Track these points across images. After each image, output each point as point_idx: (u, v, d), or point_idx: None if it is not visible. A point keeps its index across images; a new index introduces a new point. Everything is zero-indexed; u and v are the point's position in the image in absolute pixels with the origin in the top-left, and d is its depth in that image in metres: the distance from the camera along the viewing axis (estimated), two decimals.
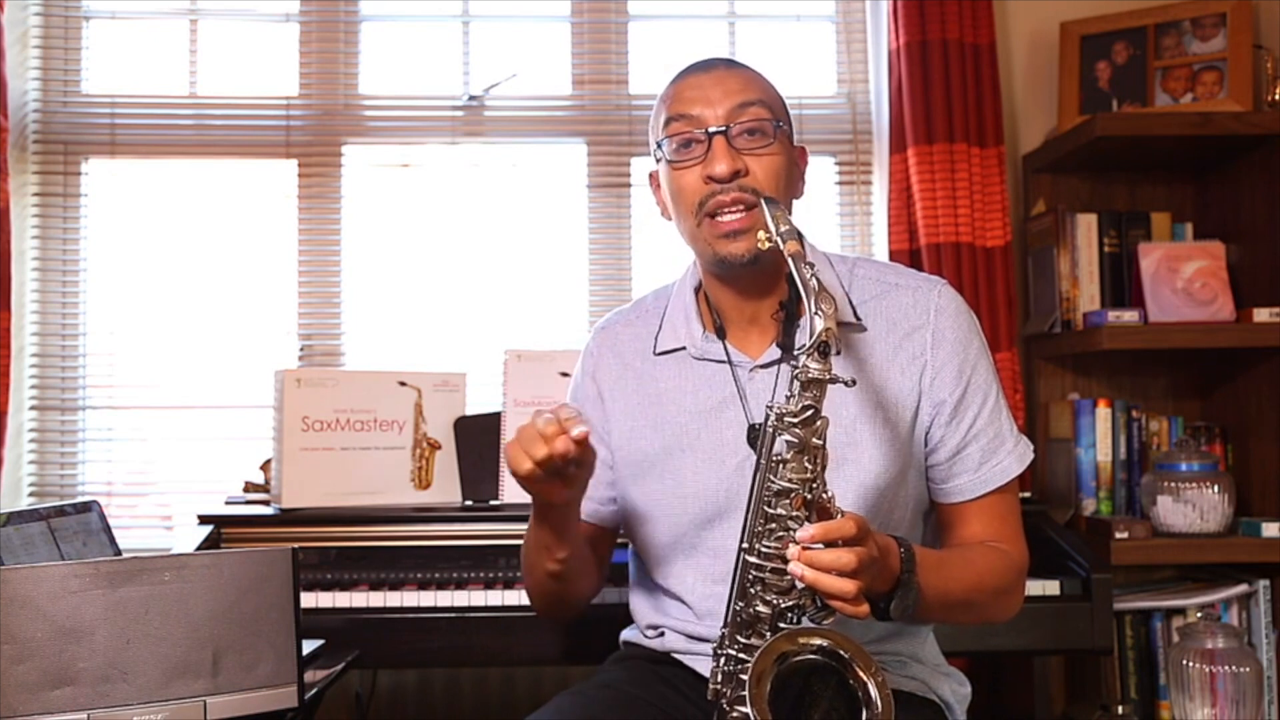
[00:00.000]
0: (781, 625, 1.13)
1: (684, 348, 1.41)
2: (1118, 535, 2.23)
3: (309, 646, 1.76)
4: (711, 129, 1.31)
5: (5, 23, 2.47)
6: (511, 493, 2.14)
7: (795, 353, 1.13)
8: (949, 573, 1.26)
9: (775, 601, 1.13)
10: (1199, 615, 2.26)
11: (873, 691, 1.07)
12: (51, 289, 2.63)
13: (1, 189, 2.42)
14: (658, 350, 1.43)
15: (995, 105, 2.53)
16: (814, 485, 1.11)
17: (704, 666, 1.36)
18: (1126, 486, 2.43)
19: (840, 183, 2.74)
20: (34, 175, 2.63)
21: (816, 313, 1.10)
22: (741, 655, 1.16)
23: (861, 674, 1.08)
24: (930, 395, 1.34)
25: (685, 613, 1.40)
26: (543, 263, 2.71)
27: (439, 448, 2.18)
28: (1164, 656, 2.29)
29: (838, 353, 1.12)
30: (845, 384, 1.13)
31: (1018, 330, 2.57)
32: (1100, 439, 2.42)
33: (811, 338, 1.11)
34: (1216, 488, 2.25)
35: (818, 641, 1.09)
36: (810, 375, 1.11)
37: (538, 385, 2.15)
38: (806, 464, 1.11)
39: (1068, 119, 2.57)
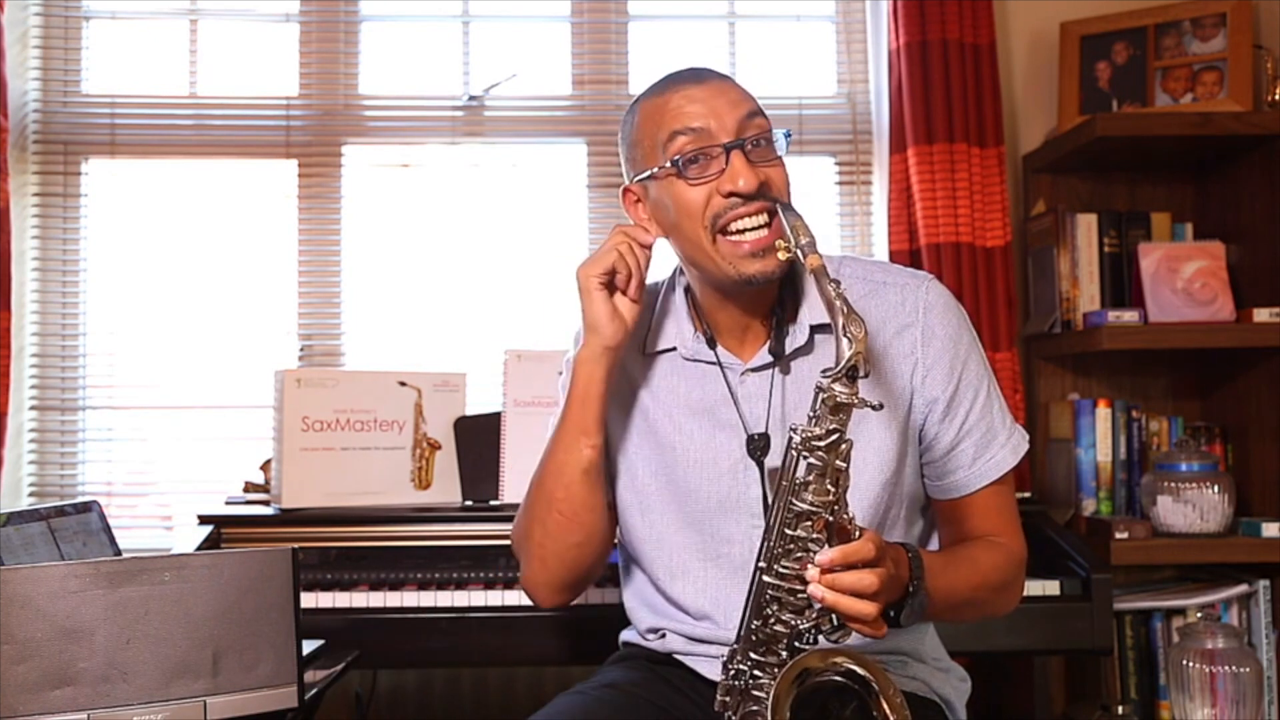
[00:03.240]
0: (797, 645, 1.13)
1: (675, 348, 1.41)
2: (1118, 535, 2.23)
3: (309, 646, 1.76)
4: (727, 143, 1.27)
5: (5, 23, 2.47)
6: (511, 493, 2.14)
7: (821, 376, 1.11)
8: (953, 573, 1.26)
9: (792, 621, 1.13)
10: (1199, 615, 2.26)
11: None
12: (51, 289, 2.63)
13: (1, 189, 2.42)
14: (648, 350, 1.43)
15: (995, 105, 2.53)
16: (836, 508, 1.10)
17: (704, 667, 1.37)
18: (1126, 486, 2.43)
19: (840, 183, 2.74)
20: (34, 175, 2.63)
21: (845, 335, 1.09)
22: (755, 672, 1.16)
23: (885, 704, 1.08)
24: (922, 393, 1.34)
25: (682, 615, 1.40)
26: (543, 263, 2.71)
27: (439, 448, 2.18)
28: (1164, 656, 2.29)
29: (865, 375, 1.10)
30: (873, 408, 1.11)
31: (1018, 330, 2.57)
32: (1100, 439, 2.42)
33: (840, 362, 1.09)
34: (1216, 488, 2.25)
35: (846, 665, 1.08)
36: (837, 400, 1.09)
37: (538, 385, 2.16)
38: (829, 486, 1.10)
39: (1068, 119, 2.57)
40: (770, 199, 1.27)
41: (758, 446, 1.32)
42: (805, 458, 1.11)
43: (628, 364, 1.44)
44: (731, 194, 1.26)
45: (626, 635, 1.53)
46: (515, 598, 1.94)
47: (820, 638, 1.12)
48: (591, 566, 1.43)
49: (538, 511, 1.39)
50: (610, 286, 1.34)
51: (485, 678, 2.59)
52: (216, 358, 2.66)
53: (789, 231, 1.20)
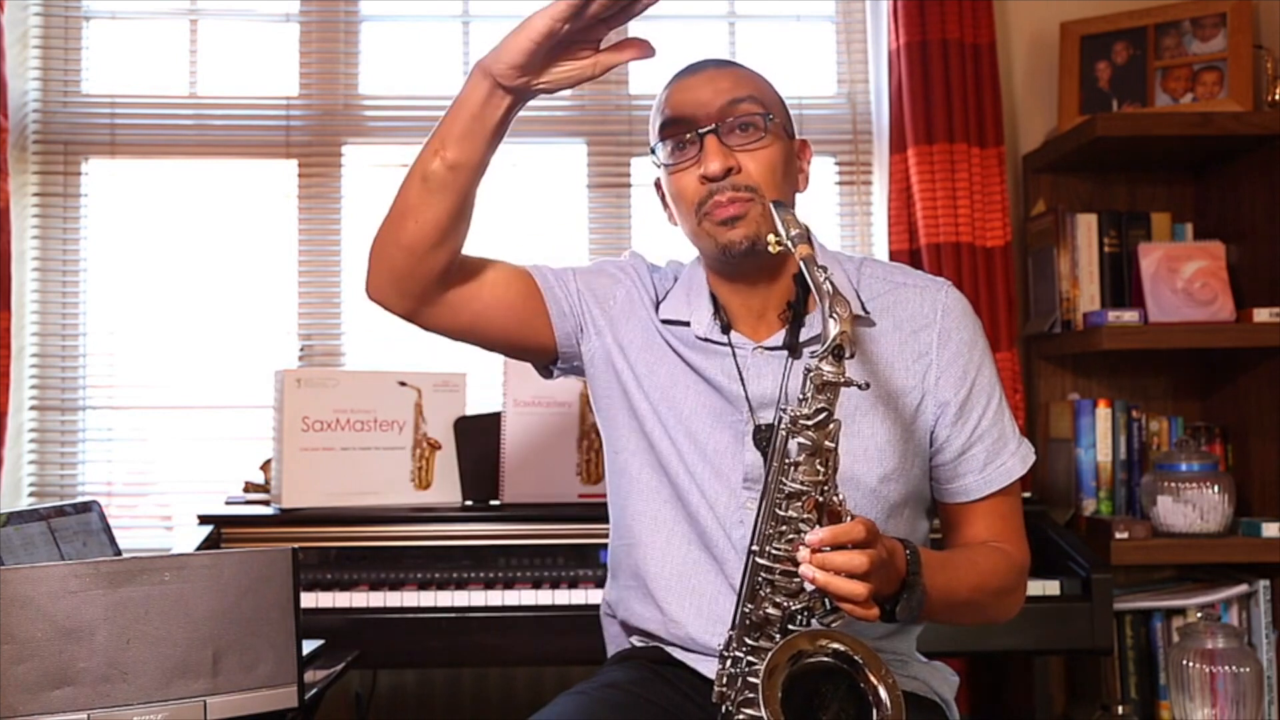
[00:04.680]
0: (791, 628, 1.13)
1: (688, 323, 1.41)
2: (1118, 535, 2.23)
3: (309, 646, 1.76)
4: (702, 129, 1.31)
5: (5, 23, 2.47)
6: (511, 492, 2.14)
7: (809, 355, 1.13)
8: (953, 574, 1.26)
9: (785, 604, 1.13)
10: (1199, 615, 2.26)
11: (883, 695, 1.08)
12: (51, 289, 2.63)
13: (1, 189, 2.42)
14: (662, 318, 1.43)
15: (995, 105, 2.53)
16: (825, 488, 1.11)
17: (705, 666, 1.36)
18: (1126, 486, 2.43)
19: (840, 183, 2.74)
20: (34, 175, 2.63)
21: (831, 316, 1.10)
22: (750, 658, 1.16)
23: (873, 678, 1.08)
24: (934, 394, 1.35)
25: (674, 602, 1.40)
26: (543, 263, 2.70)
27: (439, 448, 2.18)
28: (1164, 656, 2.29)
29: (851, 356, 1.11)
30: (859, 387, 1.13)
31: (1018, 330, 2.57)
32: (1100, 439, 2.42)
33: (826, 342, 1.10)
34: (1216, 488, 2.25)
35: (833, 645, 1.09)
36: (824, 378, 1.10)
37: (538, 385, 2.15)
38: (818, 466, 1.11)
39: (1068, 119, 2.57)
40: (742, 186, 1.30)
41: (764, 437, 1.32)
42: (795, 437, 1.12)
43: (647, 318, 1.44)
44: (704, 178, 1.31)
45: (617, 640, 1.52)
46: (515, 598, 1.94)
47: (813, 621, 1.13)
48: (420, 251, 1.37)
49: (406, 176, 1.35)
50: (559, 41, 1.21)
51: (485, 678, 2.59)
52: (216, 358, 2.66)
53: (779, 225, 1.21)
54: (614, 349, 1.44)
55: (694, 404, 1.38)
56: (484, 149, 1.30)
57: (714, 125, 1.31)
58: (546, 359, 1.49)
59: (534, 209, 2.72)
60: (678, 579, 1.38)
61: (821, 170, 2.73)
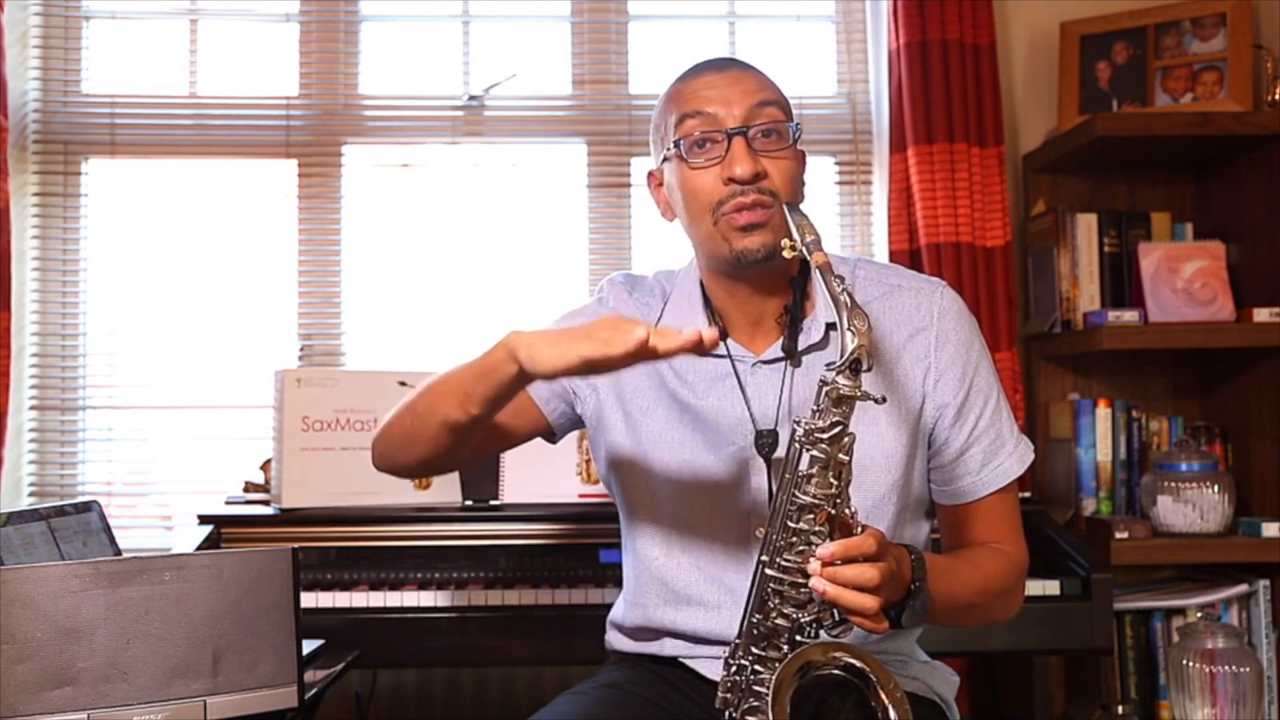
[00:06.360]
0: (799, 639, 1.13)
1: None
2: (1118, 535, 2.23)
3: (309, 646, 1.76)
4: (731, 129, 1.29)
5: (5, 23, 2.47)
6: (511, 492, 2.14)
7: (825, 369, 1.12)
8: (955, 577, 1.26)
9: (794, 615, 1.13)
10: (1199, 615, 2.26)
11: (893, 714, 1.08)
12: (51, 289, 2.63)
13: (1, 189, 2.42)
14: None
15: (995, 105, 2.53)
16: (838, 501, 1.11)
17: (705, 667, 1.37)
18: (1126, 486, 2.43)
19: (840, 183, 2.74)
20: (34, 175, 2.63)
21: (849, 329, 1.09)
22: (756, 667, 1.16)
23: (884, 696, 1.08)
24: (934, 397, 1.34)
25: (684, 611, 1.40)
26: (543, 263, 2.71)
27: None
28: (1164, 656, 2.29)
29: (868, 369, 1.11)
30: (876, 401, 1.12)
31: (1018, 330, 2.57)
32: (1100, 439, 2.42)
33: (844, 355, 1.10)
34: (1216, 488, 2.25)
35: (846, 659, 1.09)
36: (841, 392, 1.10)
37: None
38: (831, 479, 1.11)
39: (1068, 119, 2.57)
40: (767, 192, 1.28)
41: (766, 443, 1.32)
42: (808, 450, 1.11)
43: (629, 374, 1.42)
44: (730, 180, 1.28)
45: (618, 645, 1.51)
46: (515, 597, 1.94)
47: (821, 632, 1.12)
48: (427, 468, 1.43)
49: (412, 406, 1.37)
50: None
51: (485, 678, 2.59)
52: (216, 358, 2.66)
53: (794, 230, 1.20)
54: (608, 403, 1.43)
55: (693, 442, 1.37)
56: (504, 404, 1.31)
57: (744, 127, 1.28)
58: (547, 431, 1.51)
59: (534, 209, 2.72)
60: (686, 621, 1.38)
61: (821, 170, 2.73)
